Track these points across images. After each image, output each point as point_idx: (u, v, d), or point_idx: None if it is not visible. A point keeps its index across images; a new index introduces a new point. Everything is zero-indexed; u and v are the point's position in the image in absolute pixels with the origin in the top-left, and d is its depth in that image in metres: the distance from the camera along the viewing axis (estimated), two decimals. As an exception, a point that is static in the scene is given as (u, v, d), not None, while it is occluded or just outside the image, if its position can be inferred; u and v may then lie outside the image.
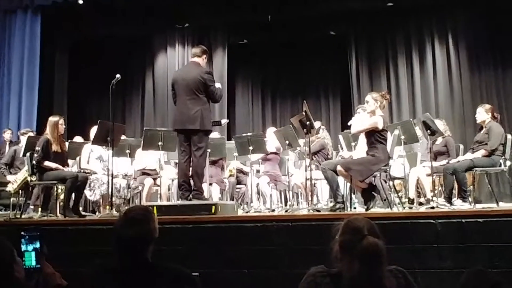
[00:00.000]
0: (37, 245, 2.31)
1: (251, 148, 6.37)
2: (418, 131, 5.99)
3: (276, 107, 11.12)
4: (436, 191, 6.26)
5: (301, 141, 6.25)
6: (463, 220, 3.94)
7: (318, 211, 5.18)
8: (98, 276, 2.03)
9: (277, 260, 4.09)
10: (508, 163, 5.71)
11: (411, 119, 6.61)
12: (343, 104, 10.62)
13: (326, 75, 10.90)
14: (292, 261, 4.01)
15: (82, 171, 6.32)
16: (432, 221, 3.98)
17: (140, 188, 6.77)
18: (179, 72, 5.82)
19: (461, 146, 6.61)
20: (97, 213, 6.39)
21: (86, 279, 2.05)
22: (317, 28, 10.13)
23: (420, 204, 6.08)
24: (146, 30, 10.47)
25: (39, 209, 5.86)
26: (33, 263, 2.31)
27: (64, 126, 5.94)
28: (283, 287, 3.88)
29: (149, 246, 2.08)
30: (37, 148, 5.60)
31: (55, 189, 5.87)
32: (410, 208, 5.79)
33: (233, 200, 6.73)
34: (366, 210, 4.96)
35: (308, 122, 5.51)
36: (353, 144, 6.21)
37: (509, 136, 5.50)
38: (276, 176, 7.02)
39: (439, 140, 6.38)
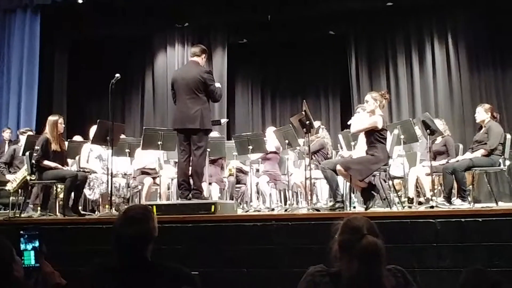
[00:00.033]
0: (36, 244, 2.31)
1: (250, 147, 6.38)
2: (418, 130, 6.00)
3: (276, 106, 11.10)
4: (435, 191, 6.27)
5: (300, 141, 6.24)
6: (463, 220, 3.94)
7: (318, 210, 5.17)
8: (98, 275, 2.03)
9: (277, 259, 4.09)
10: (507, 162, 5.72)
11: (410, 119, 6.61)
12: (342, 104, 10.62)
13: (326, 75, 10.90)
14: (291, 260, 4.00)
15: (81, 170, 6.31)
16: (431, 220, 3.98)
17: (139, 187, 6.77)
18: (178, 72, 5.80)
19: (461, 146, 6.61)
20: (96, 212, 6.39)
21: (86, 278, 2.05)
22: (317, 28, 10.12)
23: (420, 203, 6.09)
24: (146, 30, 10.45)
25: (39, 208, 5.87)
26: (32, 262, 2.30)
27: (63, 125, 5.94)
28: (283, 286, 3.87)
29: (148, 245, 2.08)
30: (36, 147, 5.59)
31: (55, 188, 5.88)
32: (410, 207, 5.80)
33: (232, 199, 6.72)
34: (366, 209, 4.96)
35: (307, 122, 5.51)
36: (352, 143, 6.21)
37: (508, 135, 5.50)
38: (276, 176, 7.03)
39: (439, 139, 6.38)
